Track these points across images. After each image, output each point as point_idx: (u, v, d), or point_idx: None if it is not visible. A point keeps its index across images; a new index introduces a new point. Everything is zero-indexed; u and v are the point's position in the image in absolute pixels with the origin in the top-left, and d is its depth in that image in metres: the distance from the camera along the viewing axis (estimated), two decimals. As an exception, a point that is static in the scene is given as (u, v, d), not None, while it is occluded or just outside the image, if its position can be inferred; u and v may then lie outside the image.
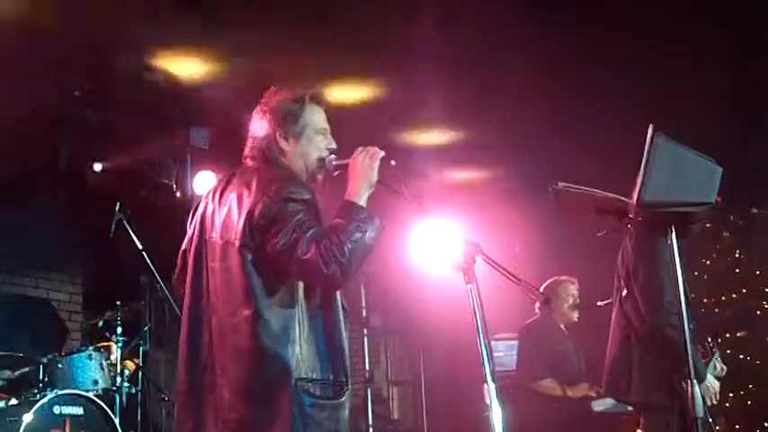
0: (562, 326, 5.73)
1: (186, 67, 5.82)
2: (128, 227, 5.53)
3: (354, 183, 2.57)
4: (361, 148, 2.63)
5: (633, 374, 3.73)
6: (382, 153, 2.61)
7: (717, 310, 7.25)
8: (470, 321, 2.44)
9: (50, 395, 4.71)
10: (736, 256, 7.53)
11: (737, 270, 7.49)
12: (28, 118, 5.67)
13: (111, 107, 5.99)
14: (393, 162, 2.60)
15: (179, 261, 2.81)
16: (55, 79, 5.49)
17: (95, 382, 5.11)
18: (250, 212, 2.50)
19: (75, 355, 5.17)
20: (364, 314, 7.75)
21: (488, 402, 2.37)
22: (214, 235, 2.62)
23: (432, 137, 7.02)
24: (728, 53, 5.41)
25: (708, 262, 7.51)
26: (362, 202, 2.54)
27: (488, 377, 2.34)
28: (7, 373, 5.05)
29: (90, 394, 4.93)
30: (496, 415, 2.34)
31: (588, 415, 5.31)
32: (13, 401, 4.74)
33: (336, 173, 2.68)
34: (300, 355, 2.45)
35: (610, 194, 2.90)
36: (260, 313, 2.45)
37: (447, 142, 7.12)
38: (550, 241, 7.06)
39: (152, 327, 6.05)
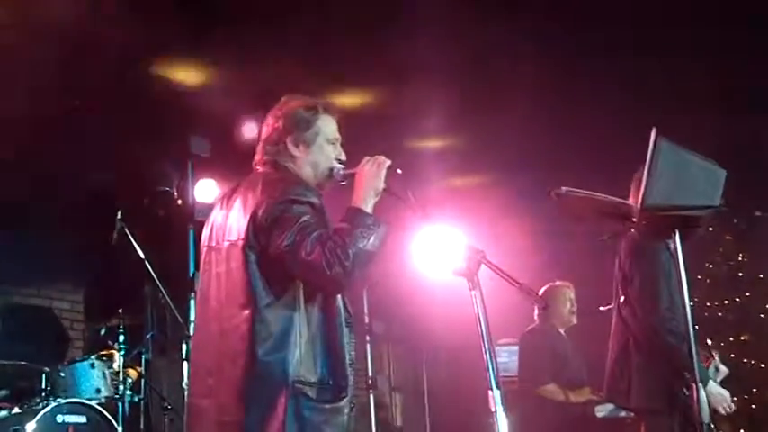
0: (562, 331, 5.73)
1: (187, 75, 5.83)
2: (129, 235, 5.53)
3: (361, 190, 2.58)
4: (367, 158, 2.66)
5: (633, 380, 3.72)
6: (389, 162, 2.63)
7: (720, 314, 7.24)
8: (473, 327, 2.44)
9: (53, 404, 4.71)
10: (739, 259, 7.52)
11: (740, 274, 7.48)
12: (27, 126, 5.67)
13: (112, 116, 5.99)
14: (399, 171, 2.63)
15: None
16: (55, 88, 5.49)
17: (98, 391, 5.10)
18: (254, 213, 2.51)
19: (77, 364, 5.17)
20: (367, 321, 7.73)
21: (493, 409, 2.36)
22: (221, 241, 2.63)
23: (433, 143, 7.03)
24: (732, 56, 5.41)
25: (711, 266, 7.51)
26: (368, 208, 2.55)
27: (493, 383, 2.33)
28: (10, 383, 5.04)
29: (93, 403, 4.93)
30: (501, 421, 2.33)
31: (591, 420, 5.30)
32: (16, 410, 4.74)
33: (344, 182, 2.70)
34: (299, 357, 2.45)
35: (613, 198, 2.90)
36: (260, 314, 2.45)
37: (448, 148, 7.12)
38: (549, 247, 7.06)
39: (154, 334, 6.03)
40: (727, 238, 7.46)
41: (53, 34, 4.94)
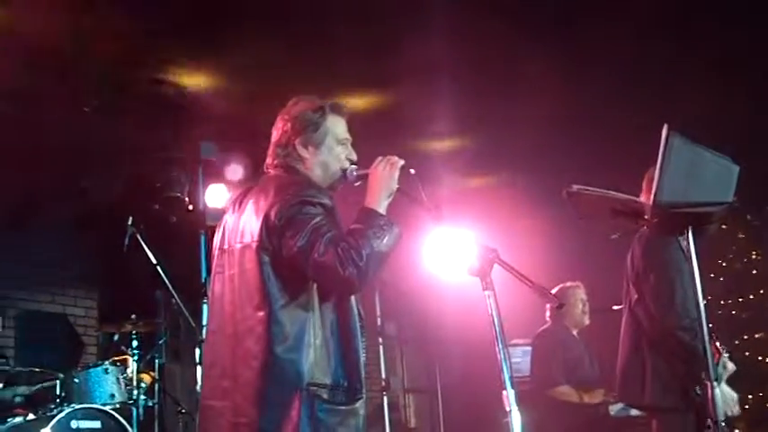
0: (574, 332, 5.72)
1: (197, 80, 5.85)
2: (141, 241, 5.54)
3: (374, 190, 2.58)
4: (380, 158, 2.65)
5: (646, 378, 3.69)
6: (402, 162, 2.62)
7: (734, 312, 7.21)
8: (486, 328, 2.42)
9: (67, 410, 4.73)
10: (753, 257, 7.48)
11: (754, 271, 7.44)
12: (39, 132, 5.70)
13: (123, 121, 6.02)
14: (412, 171, 2.61)
15: None
16: (64, 92, 5.51)
17: (112, 396, 5.11)
18: (267, 215, 2.51)
19: (91, 370, 5.18)
20: (379, 322, 7.73)
21: (507, 409, 2.35)
22: (233, 243, 2.63)
23: (443, 144, 7.02)
24: (742, 52, 5.39)
25: (724, 263, 7.47)
26: (381, 209, 2.55)
27: (507, 383, 2.32)
28: (24, 389, 5.06)
29: (107, 408, 4.94)
30: (516, 421, 2.32)
31: (604, 420, 5.28)
32: (31, 417, 4.75)
33: (357, 183, 2.69)
34: (313, 359, 2.44)
35: (625, 196, 2.88)
36: (275, 315, 2.45)
37: (459, 149, 7.11)
38: (560, 246, 7.04)
39: (167, 339, 6.05)
40: (741, 235, 7.42)
41: (61, 38, 4.96)
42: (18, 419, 4.72)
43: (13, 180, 5.71)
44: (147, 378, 5.57)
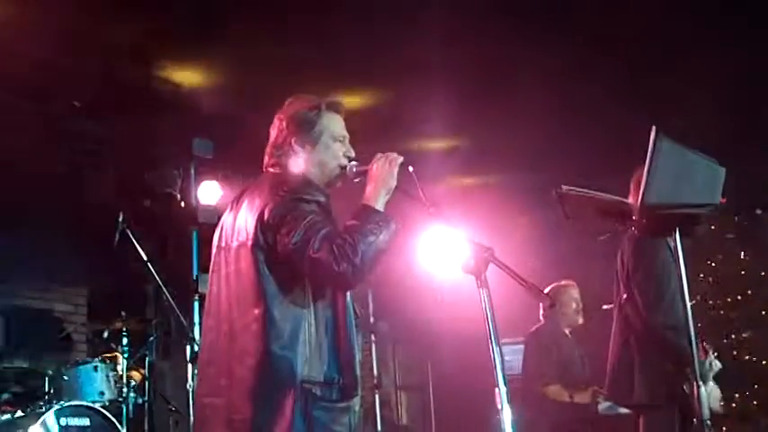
0: (567, 331, 5.74)
1: (190, 76, 5.84)
2: (132, 237, 5.53)
3: (373, 187, 2.57)
4: (380, 154, 2.64)
5: (635, 377, 3.73)
6: (401, 159, 2.62)
7: (722, 312, 7.25)
8: (478, 326, 2.43)
9: (56, 407, 4.72)
10: (742, 257, 7.53)
11: (743, 272, 7.49)
12: (29, 128, 5.68)
13: (115, 117, 6.01)
14: (411, 168, 2.61)
15: None
16: (56, 88, 5.50)
17: (102, 394, 5.11)
18: (261, 213, 2.51)
19: (80, 367, 5.17)
20: (372, 320, 7.75)
21: (499, 406, 2.36)
22: (230, 241, 2.64)
23: (436, 143, 7.03)
24: (731, 55, 5.41)
25: (713, 264, 7.51)
26: (379, 206, 2.54)
27: (500, 381, 2.33)
28: (13, 386, 5.05)
29: (96, 405, 4.93)
30: (507, 418, 2.33)
31: (593, 419, 5.31)
32: (20, 414, 4.74)
33: (357, 179, 2.68)
34: (308, 356, 2.44)
35: (614, 197, 2.90)
36: (269, 313, 2.45)
37: (452, 148, 7.13)
38: (553, 246, 7.07)
39: (158, 337, 6.04)
40: (730, 236, 7.46)
41: (53, 34, 4.95)
42: (6, 417, 4.71)
43: (2, 176, 5.69)
44: (137, 375, 5.57)
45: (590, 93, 5.81)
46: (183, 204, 6.53)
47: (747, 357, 7.00)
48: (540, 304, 5.72)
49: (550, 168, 6.12)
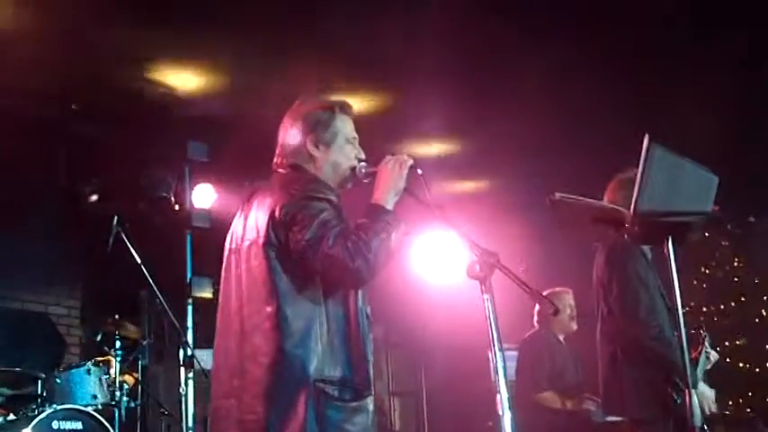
0: (561, 337, 5.74)
1: (185, 80, 5.84)
2: (126, 240, 5.52)
3: (382, 188, 2.59)
4: (389, 156, 2.65)
5: (624, 391, 3.72)
6: (411, 161, 2.63)
7: (716, 319, 7.27)
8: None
9: (49, 410, 4.69)
10: (735, 264, 7.55)
11: (736, 278, 7.51)
12: (25, 132, 5.67)
13: (108, 121, 6.00)
14: (420, 171, 2.62)
15: None
16: (50, 92, 5.50)
17: (94, 397, 5.08)
18: (273, 211, 2.52)
19: (73, 370, 5.15)
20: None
21: (501, 412, 2.35)
22: (240, 242, 2.64)
23: (431, 148, 7.04)
24: (726, 63, 5.43)
25: (707, 271, 7.54)
26: (389, 205, 2.56)
27: (501, 387, 2.33)
28: (6, 389, 5.03)
29: (89, 409, 4.91)
30: (507, 425, 2.33)
31: (587, 425, 5.30)
32: (12, 417, 4.72)
33: (367, 180, 2.70)
34: (321, 355, 2.43)
35: (606, 204, 2.91)
36: (282, 311, 2.45)
37: (446, 153, 7.13)
38: (547, 252, 7.07)
39: (151, 340, 6.02)
40: (723, 243, 7.48)
41: (48, 38, 4.94)
42: (-1, 419, 4.70)
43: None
44: (129, 379, 5.54)
45: (586, 99, 5.82)
46: (177, 208, 6.53)
47: (741, 365, 7.00)
48: (535, 310, 5.73)
49: (544, 174, 6.14)
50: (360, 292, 2.60)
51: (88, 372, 5.15)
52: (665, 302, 3.62)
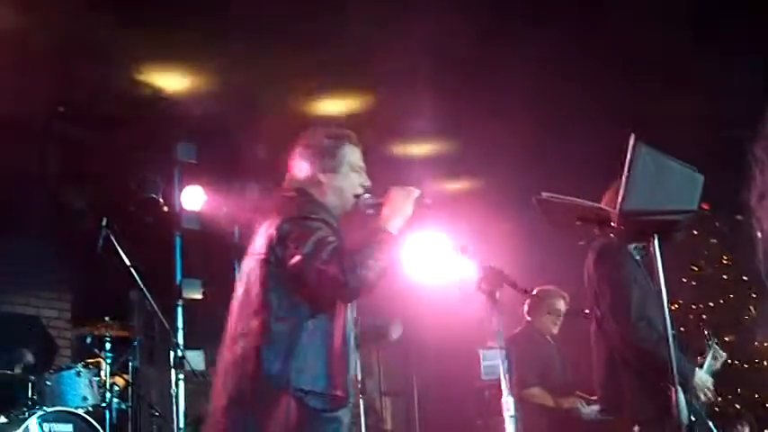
0: (548, 336, 5.76)
1: (174, 81, 5.84)
2: (115, 242, 5.52)
3: (389, 211, 2.68)
4: (396, 188, 2.74)
5: (626, 394, 3.74)
6: (418, 191, 2.73)
7: (705, 316, 7.29)
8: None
9: (39, 413, 4.70)
10: (724, 262, 7.58)
11: (725, 276, 7.54)
12: (13, 134, 5.66)
13: (97, 122, 5.99)
14: (428, 201, 2.74)
15: None
16: (39, 93, 5.48)
17: (85, 399, 5.09)
18: (271, 230, 2.64)
19: (63, 372, 5.15)
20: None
21: (510, 414, 2.40)
22: (248, 257, 2.76)
23: (420, 148, 7.05)
24: (711, 64, 5.46)
25: (696, 268, 7.57)
26: (394, 230, 2.64)
27: (505, 390, 2.39)
28: (-5, 392, 5.02)
29: (79, 411, 4.92)
30: (510, 427, 2.38)
31: (575, 422, 5.33)
32: (2, 420, 4.73)
33: (370, 211, 2.79)
34: (301, 366, 2.53)
35: (593, 204, 2.93)
36: (267, 323, 2.57)
37: (435, 153, 7.14)
38: (535, 250, 7.09)
39: (142, 342, 6.02)
40: (712, 241, 7.51)
41: (37, 39, 4.93)
42: (-11, 422, 4.69)
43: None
44: (120, 381, 5.54)
45: (577, 97, 5.84)
46: (166, 209, 6.52)
47: (730, 361, 7.03)
48: (524, 308, 5.75)
49: (533, 173, 6.16)
50: (349, 309, 2.73)
51: (78, 374, 5.15)
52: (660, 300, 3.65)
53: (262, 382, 2.52)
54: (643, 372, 3.66)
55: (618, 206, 2.75)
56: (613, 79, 5.71)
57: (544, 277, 6.03)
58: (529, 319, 5.76)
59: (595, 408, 4.89)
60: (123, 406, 5.45)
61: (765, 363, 7.26)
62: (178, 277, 6.57)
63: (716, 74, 5.55)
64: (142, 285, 5.49)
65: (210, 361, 6.90)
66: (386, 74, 5.67)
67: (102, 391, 5.24)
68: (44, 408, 4.80)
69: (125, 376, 5.67)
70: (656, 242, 2.79)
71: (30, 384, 4.95)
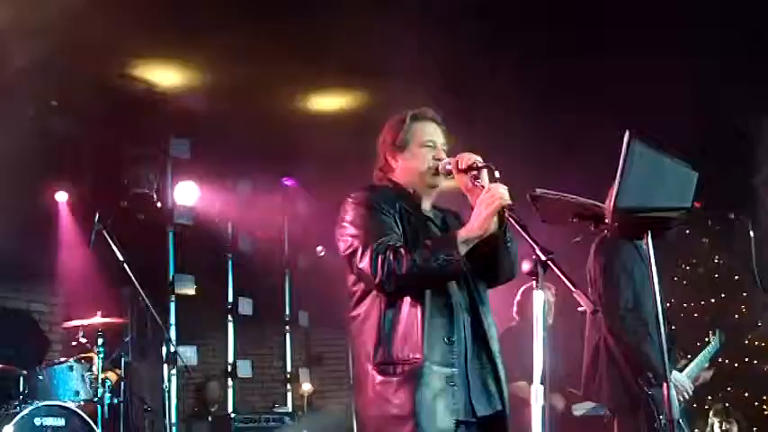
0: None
1: (167, 76, 5.82)
2: (108, 238, 5.50)
3: (473, 224, 2.67)
4: (492, 185, 2.70)
5: (603, 381, 3.84)
6: (509, 202, 2.66)
7: (696, 315, 7.32)
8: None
9: (31, 407, 4.69)
10: (715, 261, 7.61)
11: (716, 275, 7.57)
12: (5, 127, 5.63)
13: (90, 117, 5.97)
14: (512, 212, 2.65)
15: None
16: (32, 89, 5.46)
17: (77, 394, 5.08)
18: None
19: (55, 367, 5.14)
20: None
21: (540, 403, 2.41)
22: None
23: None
24: (703, 60, 5.48)
25: (687, 267, 7.60)
26: (462, 246, 2.63)
27: (539, 379, 2.40)
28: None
29: (71, 405, 4.90)
30: (537, 416, 2.39)
31: (567, 419, 5.35)
32: (-6, 414, 4.70)
33: (449, 177, 2.82)
34: (379, 341, 2.68)
35: (587, 200, 2.92)
36: (353, 309, 2.78)
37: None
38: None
39: (134, 337, 6.01)
40: (704, 240, 7.54)
41: (30, 36, 4.91)
42: (-20, 416, 4.67)
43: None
44: (112, 376, 5.52)
45: (568, 95, 5.85)
46: (159, 205, 6.52)
47: (720, 360, 7.06)
48: (515, 302, 5.77)
49: (526, 171, 6.15)
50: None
51: (71, 368, 5.14)
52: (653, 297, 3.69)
53: (356, 364, 2.76)
54: (619, 363, 3.74)
55: (611, 202, 2.76)
56: (607, 76, 5.71)
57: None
58: (517, 316, 5.78)
59: (588, 404, 4.92)
60: (115, 401, 5.43)
61: (755, 361, 7.30)
62: (171, 273, 6.56)
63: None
64: (135, 281, 5.48)
65: (202, 357, 6.90)
66: (379, 71, 5.67)
67: (94, 385, 5.23)
68: (36, 402, 4.79)
69: (117, 371, 5.66)
70: (649, 239, 2.81)
71: (21, 378, 4.94)
